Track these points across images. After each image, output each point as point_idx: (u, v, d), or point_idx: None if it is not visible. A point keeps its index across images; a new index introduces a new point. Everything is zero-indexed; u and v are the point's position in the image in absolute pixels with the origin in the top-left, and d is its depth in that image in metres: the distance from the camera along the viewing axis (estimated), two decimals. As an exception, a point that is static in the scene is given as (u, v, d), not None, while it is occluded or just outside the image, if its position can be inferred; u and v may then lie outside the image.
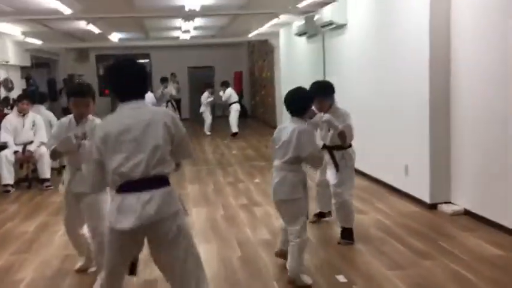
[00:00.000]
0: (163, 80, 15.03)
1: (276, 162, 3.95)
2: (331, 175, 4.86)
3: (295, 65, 12.01)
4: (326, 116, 4.59)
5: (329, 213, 5.42)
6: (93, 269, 4.17)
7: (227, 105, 14.18)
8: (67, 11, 8.54)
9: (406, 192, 6.30)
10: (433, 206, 5.74)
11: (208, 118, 14.26)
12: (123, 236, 2.71)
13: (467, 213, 5.43)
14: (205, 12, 10.06)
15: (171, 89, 15.49)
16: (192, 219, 5.72)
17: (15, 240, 5.30)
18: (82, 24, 10.92)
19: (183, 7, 9.24)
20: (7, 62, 11.85)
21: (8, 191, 7.52)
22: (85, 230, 4.15)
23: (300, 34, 10.56)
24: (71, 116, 3.99)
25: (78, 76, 18.39)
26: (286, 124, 4.00)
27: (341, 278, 3.98)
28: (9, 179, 7.58)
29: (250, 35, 14.55)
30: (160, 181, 2.74)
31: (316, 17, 8.92)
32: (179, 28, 13.36)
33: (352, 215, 4.82)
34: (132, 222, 2.64)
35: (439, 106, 5.70)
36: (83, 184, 3.83)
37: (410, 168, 6.17)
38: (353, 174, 4.91)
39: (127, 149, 2.69)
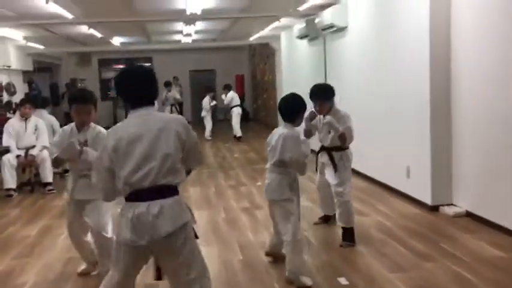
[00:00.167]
0: (167, 84, 15.10)
1: (268, 165, 4.15)
2: (330, 176, 4.92)
3: (296, 68, 12.02)
4: (327, 118, 4.71)
5: (334, 217, 5.42)
6: (95, 272, 4.18)
7: (229, 109, 14.18)
8: (68, 15, 8.57)
9: (407, 194, 6.29)
10: (434, 208, 5.73)
11: (209, 123, 14.11)
12: (137, 251, 2.72)
13: (468, 214, 5.42)
14: (206, 15, 10.08)
15: (175, 93, 15.54)
16: (194, 222, 5.73)
17: (18, 245, 5.31)
18: (84, 29, 10.95)
19: (184, 11, 9.27)
20: (9, 66, 11.88)
21: (11, 195, 7.54)
22: (89, 237, 4.16)
23: (301, 37, 10.58)
24: (73, 124, 4.01)
25: (80, 80, 18.42)
26: (278, 129, 4.15)
27: (343, 281, 3.98)
28: (11, 183, 7.60)
29: (251, 39, 14.56)
30: (170, 191, 2.72)
31: (317, 20, 8.94)
32: (180, 32, 13.39)
33: (353, 215, 4.87)
34: (144, 239, 2.65)
35: (440, 107, 5.70)
36: (86, 191, 3.86)
37: (411, 170, 6.17)
38: (350, 175, 5.00)
39: (137, 157, 2.66)
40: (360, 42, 7.76)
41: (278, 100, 15.74)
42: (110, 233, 3.97)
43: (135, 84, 2.82)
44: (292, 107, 4.08)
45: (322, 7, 8.76)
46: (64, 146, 3.81)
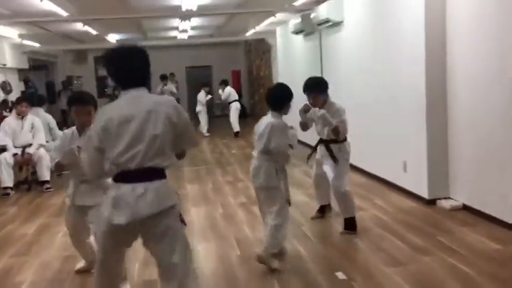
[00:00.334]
0: (163, 78, 15.05)
1: (254, 152, 4.24)
2: (328, 169, 4.94)
3: (292, 63, 12.01)
4: (321, 112, 4.74)
5: (329, 207, 5.45)
6: (94, 270, 4.18)
7: (226, 104, 14.14)
8: (63, 13, 8.54)
9: (404, 188, 6.31)
10: (431, 202, 5.75)
11: (203, 118, 14.05)
12: (116, 229, 2.70)
13: (465, 208, 5.44)
14: (201, 11, 10.07)
15: (171, 87, 15.48)
16: (191, 218, 5.73)
17: (15, 243, 5.31)
18: (79, 26, 10.93)
19: (179, 7, 9.25)
20: (4, 65, 11.85)
21: (8, 194, 7.53)
22: (91, 239, 4.16)
23: (296, 32, 10.56)
24: (74, 128, 4.03)
25: (76, 78, 18.38)
26: (266, 117, 4.25)
27: (340, 275, 3.99)
28: (8, 181, 7.59)
29: (247, 34, 14.56)
30: (156, 173, 2.70)
31: (312, 15, 8.93)
32: (176, 28, 13.37)
33: (353, 205, 4.94)
34: (126, 218, 2.63)
35: (436, 100, 5.70)
36: (87, 197, 3.87)
37: (408, 164, 6.18)
38: (348, 167, 5.05)
39: (127, 139, 2.65)
40: (355, 37, 7.75)
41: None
42: None
43: (126, 63, 2.75)
44: (279, 95, 4.21)
45: (318, 2, 8.75)
46: (65, 151, 3.83)
